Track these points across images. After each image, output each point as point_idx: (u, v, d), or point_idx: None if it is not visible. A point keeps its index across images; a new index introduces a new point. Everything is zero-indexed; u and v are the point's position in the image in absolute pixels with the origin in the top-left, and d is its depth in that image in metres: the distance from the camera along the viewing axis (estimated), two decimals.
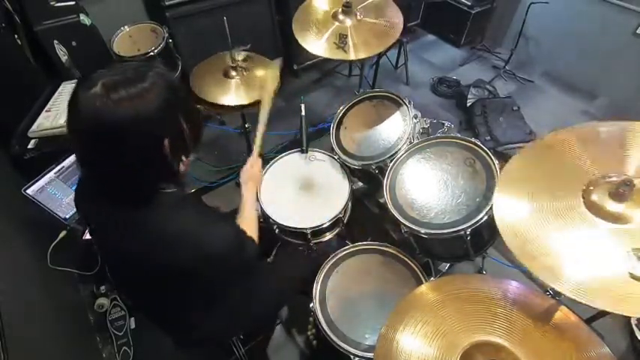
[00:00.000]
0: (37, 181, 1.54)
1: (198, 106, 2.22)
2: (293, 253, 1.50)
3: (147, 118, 0.67)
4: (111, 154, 0.69)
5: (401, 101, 1.58)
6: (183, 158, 0.80)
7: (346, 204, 1.48)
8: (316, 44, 1.67)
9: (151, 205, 0.77)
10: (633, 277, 0.67)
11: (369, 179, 1.70)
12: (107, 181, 0.76)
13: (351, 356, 1.12)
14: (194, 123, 0.78)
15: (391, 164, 1.44)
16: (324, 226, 1.42)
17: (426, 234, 1.25)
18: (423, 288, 0.97)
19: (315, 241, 1.46)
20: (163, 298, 0.93)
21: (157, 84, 0.69)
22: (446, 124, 1.54)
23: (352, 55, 1.64)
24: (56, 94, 1.84)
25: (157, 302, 0.97)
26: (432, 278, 1.47)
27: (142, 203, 0.76)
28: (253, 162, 1.30)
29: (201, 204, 0.92)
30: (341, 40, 1.65)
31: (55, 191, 1.60)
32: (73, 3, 1.91)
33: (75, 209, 1.65)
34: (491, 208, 1.18)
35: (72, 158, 1.63)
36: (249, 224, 1.07)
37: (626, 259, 0.70)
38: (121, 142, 0.67)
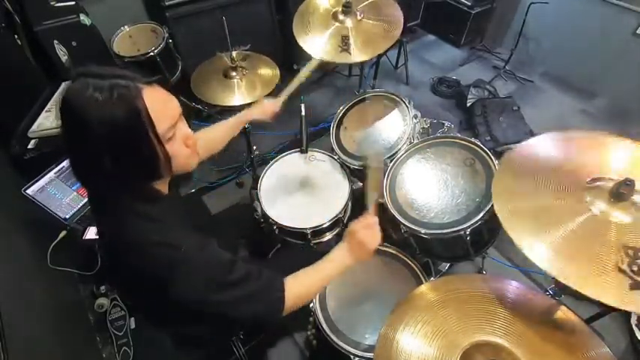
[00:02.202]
0: (37, 181, 1.54)
1: (199, 106, 2.22)
2: (293, 254, 1.50)
3: (86, 124, 0.65)
4: (68, 144, 0.71)
5: (401, 101, 1.58)
6: (143, 181, 0.77)
7: (346, 204, 1.48)
8: (318, 46, 1.66)
9: (125, 218, 0.76)
10: (620, 270, 0.72)
11: None
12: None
13: (351, 356, 1.12)
14: (144, 159, 0.71)
15: (391, 164, 1.44)
16: (324, 226, 1.42)
17: (425, 234, 1.25)
18: (423, 288, 0.97)
19: (315, 241, 1.46)
20: (149, 299, 0.93)
21: (111, 104, 0.65)
22: (446, 124, 1.55)
23: (356, 58, 1.63)
24: (56, 94, 1.84)
25: (151, 302, 0.97)
26: (432, 278, 1.47)
27: (112, 204, 0.76)
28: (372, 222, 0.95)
29: (182, 224, 0.82)
30: (344, 43, 1.64)
31: (55, 191, 1.60)
32: (73, 3, 1.91)
33: (75, 209, 1.65)
34: (491, 208, 1.18)
35: None
36: (305, 283, 0.89)
37: (617, 254, 0.74)
38: (70, 134, 0.70)
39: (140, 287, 0.83)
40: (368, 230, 0.93)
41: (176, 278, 0.73)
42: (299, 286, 0.87)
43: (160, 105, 0.70)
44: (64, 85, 1.88)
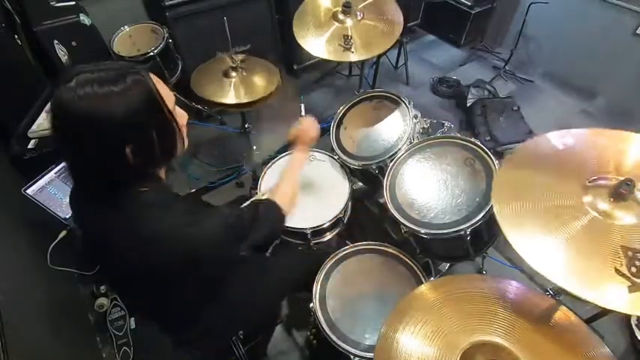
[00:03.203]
0: (37, 181, 1.54)
1: (198, 106, 2.22)
2: (293, 253, 1.50)
3: (107, 121, 0.66)
4: (73, 148, 0.70)
5: (401, 101, 1.58)
6: (156, 166, 0.80)
7: (346, 204, 1.48)
8: (318, 46, 1.67)
9: (130, 205, 0.76)
10: (617, 272, 0.71)
11: (369, 179, 1.70)
12: (76, 177, 0.78)
13: (351, 356, 1.12)
14: (166, 137, 0.76)
15: (391, 164, 1.44)
16: (324, 226, 1.42)
17: (425, 234, 1.25)
18: (423, 288, 0.97)
19: (315, 241, 1.46)
20: (156, 295, 0.92)
21: (129, 90, 0.67)
22: (446, 124, 1.54)
23: (359, 56, 1.63)
24: None
25: (152, 300, 0.97)
26: (432, 278, 1.47)
27: (118, 202, 0.76)
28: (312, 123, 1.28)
29: (187, 202, 0.88)
30: (346, 42, 1.64)
31: (55, 191, 1.60)
32: (73, 3, 1.91)
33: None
34: (491, 208, 1.18)
35: None
36: (286, 191, 1.07)
37: (615, 255, 0.73)
38: (81, 138, 0.67)
39: (161, 277, 0.83)
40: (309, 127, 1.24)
41: (205, 249, 0.81)
42: (285, 196, 1.05)
43: (161, 86, 0.75)
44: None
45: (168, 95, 0.76)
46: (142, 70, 0.72)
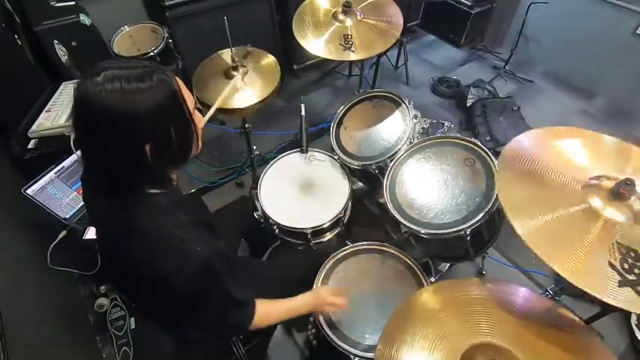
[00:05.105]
0: (37, 181, 1.54)
1: (199, 106, 2.21)
2: (292, 253, 1.50)
3: (132, 117, 0.67)
4: (93, 141, 0.71)
5: (401, 101, 1.58)
6: (170, 167, 0.81)
7: (346, 204, 1.48)
8: (319, 45, 1.66)
9: (137, 204, 0.76)
10: (610, 265, 0.74)
11: (369, 179, 1.70)
12: (92, 169, 0.79)
13: (351, 356, 1.12)
14: (185, 139, 0.78)
15: (391, 164, 1.44)
16: (324, 226, 1.42)
17: (425, 234, 1.25)
18: (424, 292, 0.97)
19: (315, 241, 1.46)
20: (155, 296, 0.92)
21: (155, 88, 0.68)
22: (446, 124, 1.55)
23: (358, 55, 1.63)
24: (56, 94, 1.84)
25: (150, 300, 0.97)
26: (432, 278, 1.47)
27: (127, 200, 0.76)
28: (342, 295, 1.17)
29: (190, 217, 0.84)
30: (346, 41, 1.64)
31: (55, 191, 1.60)
32: (73, 3, 1.91)
33: (75, 209, 1.66)
34: (490, 208, 1.18)
35: (72, 158, 1.64)
36: (272, 310, 1.01)
37: (610, 250, 0.76)
38: (104, 133, 0.68)
39: (146, 282, 0.82)
40: (334, 301, 1.12)
41: (183, 270, 0.76)
42: (267, 314, 0.98)
43: (183, 88, 0.76)
44: (63, 84, 1.88)
45: (189, 98, 0.77)
46: (167, 71, 0.73)
